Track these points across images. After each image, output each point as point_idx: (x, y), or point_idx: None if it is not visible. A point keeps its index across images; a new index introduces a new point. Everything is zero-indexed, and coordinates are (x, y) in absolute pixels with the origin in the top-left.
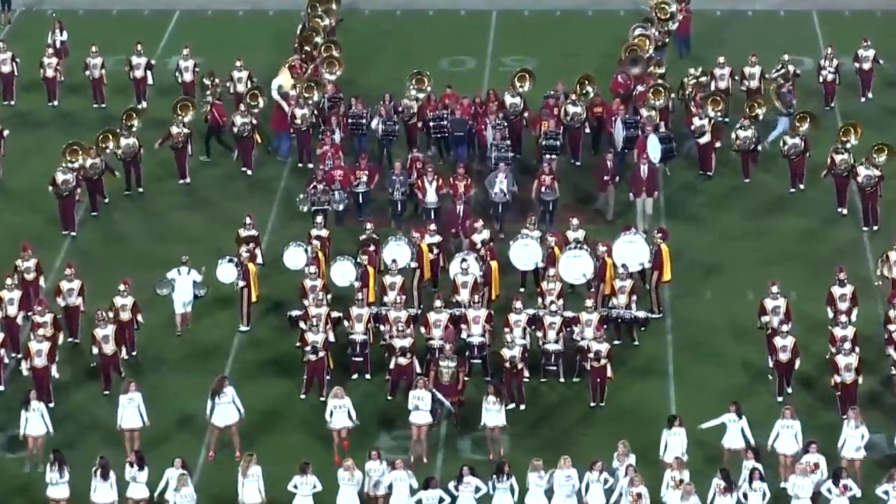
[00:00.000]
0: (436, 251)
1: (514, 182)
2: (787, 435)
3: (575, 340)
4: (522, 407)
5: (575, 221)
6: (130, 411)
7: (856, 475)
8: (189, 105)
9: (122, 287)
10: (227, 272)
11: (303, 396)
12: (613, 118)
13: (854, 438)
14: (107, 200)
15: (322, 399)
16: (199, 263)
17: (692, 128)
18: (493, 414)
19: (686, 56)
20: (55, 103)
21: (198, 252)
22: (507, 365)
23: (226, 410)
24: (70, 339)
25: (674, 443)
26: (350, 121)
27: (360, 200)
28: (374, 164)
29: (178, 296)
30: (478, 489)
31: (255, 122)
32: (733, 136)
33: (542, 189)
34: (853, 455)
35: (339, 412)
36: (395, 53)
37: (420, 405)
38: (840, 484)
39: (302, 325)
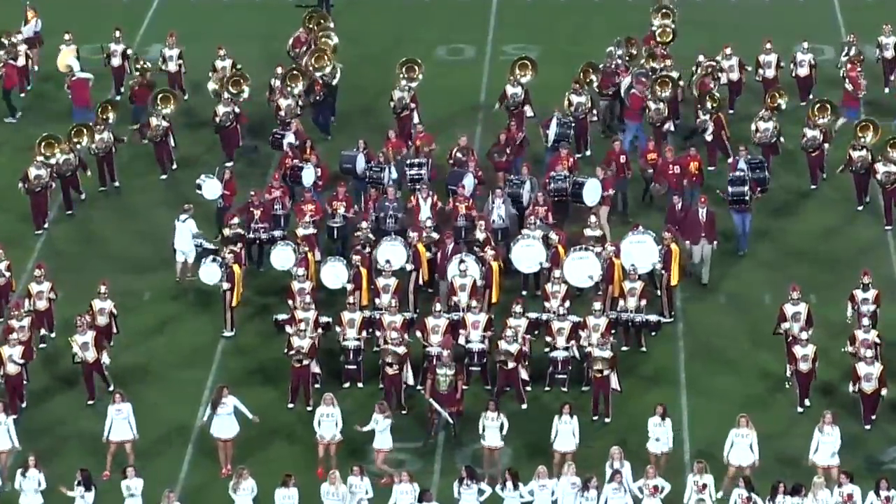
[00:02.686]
0: (433, 249)
1: (512, 210)
2: (741, 445)
3: (583, 347)
4: (524, 406)
5: (593, 220)
6: (119, 423)
7: (834, 483)
8: (171, 96)
9: (101, 289)
10: (210, 273)
11: (290, 406)
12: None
13: (828, 444)
14: (83, 197)
15: (309, 409)
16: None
17: (697, 121)
18: (492, 432)
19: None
20: (22, 94)
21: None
22: (501, 359)
23: (225, 422)
24: (43, 346)
25: (564, 431)
26: (290, 171)
27: (336, 235)
28: (350, 195)
29: (177, 243)
30: (481, 492)
31: (237, 111)
32: (752, 127)
33: (536, 221)
34: (828, 462)
35: (328, 421)
36: (390, 41)
37: (377, 428)
38: (882, 496)
39: (288, 329)
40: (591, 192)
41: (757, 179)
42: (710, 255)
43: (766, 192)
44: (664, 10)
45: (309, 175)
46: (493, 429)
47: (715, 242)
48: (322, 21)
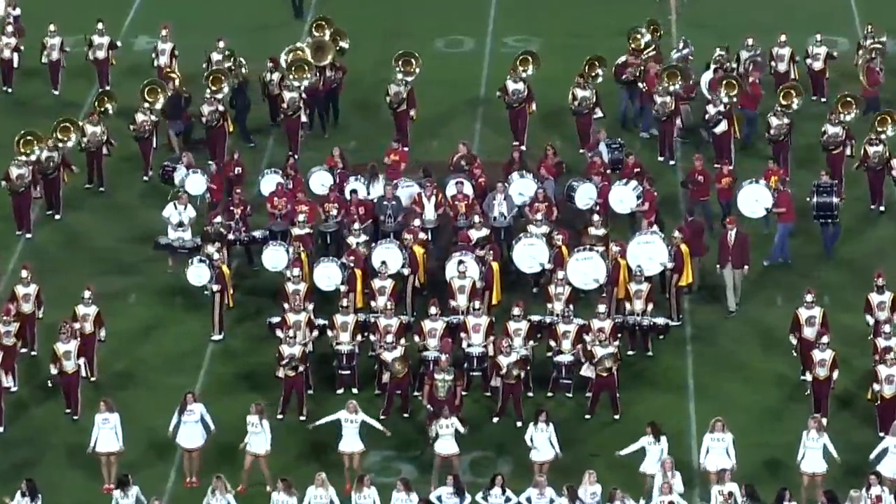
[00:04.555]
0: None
1: (514, 206)
2: (717, 450)
3: (587, 351)
4: (519, 424)
5: (596, 218)
6: (106, 433)
7: (816, 491)
8: (158, 90)
9: (86, 294)
10: (198, 274)
11: (280, 417)
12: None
13: (814, 451)
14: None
15: (302, 419)
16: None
17: (706, 116)
18: (445, 440)
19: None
20: (9, 89)
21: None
22: (504, 374)
23: (190, 431)
24: (24, 350)
25: (540, 439)
26: (162, 170)
27: (329, 241)
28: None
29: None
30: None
31: (221, 108)
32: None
33: (538, 217)
34: (814, 469)
35: (351, 427)
36: (386, 33)
37: (251, 430)
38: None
39: (279, 333)
40: (584, 195)
41: (819, 204)
42: (740, 282)
43: (833, 218)
44: (653, 27)
45: (179, 175)
46: (446, 436)
47: (745, 268)
48: (338, 38)
